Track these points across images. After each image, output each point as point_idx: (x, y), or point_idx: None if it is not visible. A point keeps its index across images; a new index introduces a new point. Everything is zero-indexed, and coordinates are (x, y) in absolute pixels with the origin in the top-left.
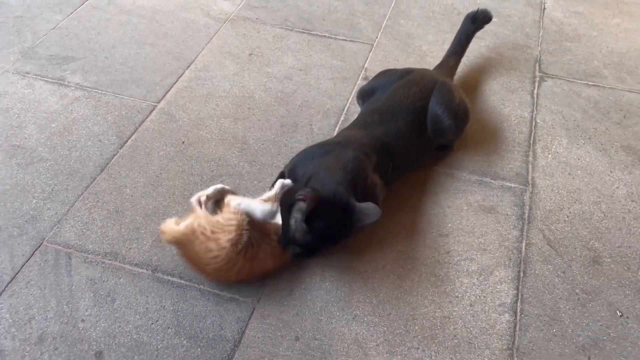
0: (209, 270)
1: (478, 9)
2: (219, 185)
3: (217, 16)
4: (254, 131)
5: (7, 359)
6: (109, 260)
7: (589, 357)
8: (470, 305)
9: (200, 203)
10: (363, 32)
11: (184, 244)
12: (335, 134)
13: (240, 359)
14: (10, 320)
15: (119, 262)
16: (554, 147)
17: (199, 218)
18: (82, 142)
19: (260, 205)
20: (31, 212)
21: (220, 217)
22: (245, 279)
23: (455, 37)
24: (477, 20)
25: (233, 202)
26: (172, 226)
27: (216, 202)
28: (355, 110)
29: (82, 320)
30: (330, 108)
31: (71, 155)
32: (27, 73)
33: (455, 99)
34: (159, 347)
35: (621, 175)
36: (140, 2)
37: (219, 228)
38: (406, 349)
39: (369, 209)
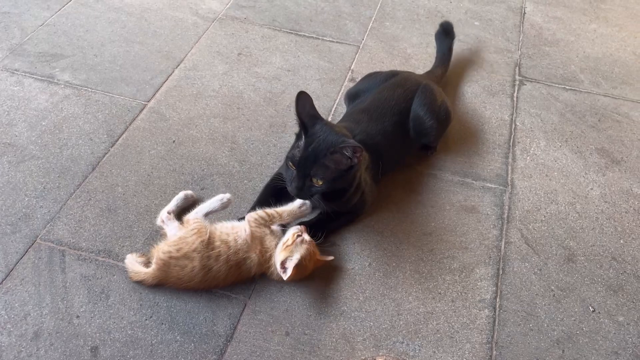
0: (196, 284)
1: (442, 22)
2: (181, 194)
3: (205, 15)
4: (243, 131)
5: (4, 354)
6: (103, 257)
7: (563, 351)
8: (452, 301)
9: (164, 221)
10: (349, 34)
11: (164, 279)
12: None
13: (232, 353)
14: (6, 317)
15: (112, 259)
16: (532, 149)
17: (158, 249)
18: (73, 140)
19: (213, 198)
20: (24, 210)
21: (181, 232)
22: (235, 282)
23: (438, 51)
24: (448, 31)
25: (190, 216)
26: (139, 269)
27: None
28: (342, 111)
29: (77, 317)
30: (318, 109)
31: (62, 154)
32: (15, 70)
33: (437, 100)
34: (153, 342)
35: (595, 177)
36: (128, 0)
37: (183, 243)
38: (391, 343)
39: None
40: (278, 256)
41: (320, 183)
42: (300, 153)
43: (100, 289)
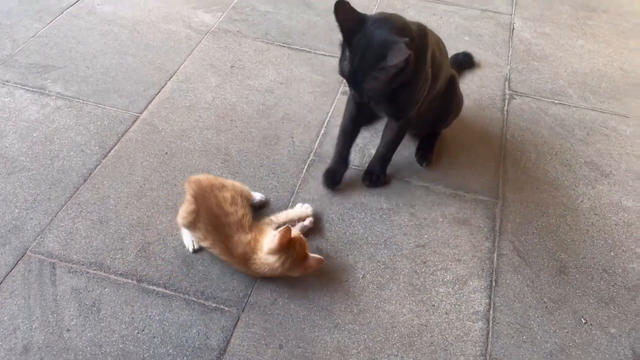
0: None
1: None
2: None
3: (198, 28)
4: (236, 143)
5: None
6: (94, 270)
7: None
8: (446, 313)
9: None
10: None
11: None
12: (316, 147)
13: None
14: None
15: (104, 272)
16: (522, 162)
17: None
18: (64, 151)
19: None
20: (14, 222)
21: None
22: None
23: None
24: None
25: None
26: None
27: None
28: (335, 123)
29: (68, 330)
30: (311, 121)
31: (53, 165)
32: (6, 81)
33: (458, 87)
34: (145, 356)
35: (585, 190)
36: (121, 13)
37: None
38: (386, 356)
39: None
40: (268, 258)
41: (375, 92)
42: (347, 67)
43: (92, 302)
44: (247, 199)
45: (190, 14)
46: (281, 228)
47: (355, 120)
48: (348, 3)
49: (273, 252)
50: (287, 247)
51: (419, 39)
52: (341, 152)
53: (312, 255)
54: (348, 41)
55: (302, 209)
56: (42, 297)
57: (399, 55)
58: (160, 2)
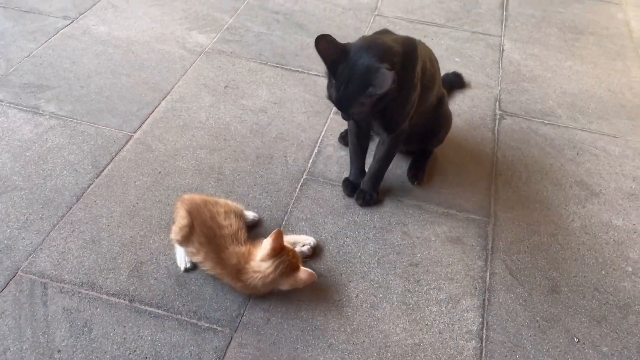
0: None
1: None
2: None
3: (192, 48)
4: (230, 162)
5: None
6: (86, 290)
7: None
8: (440, 332)
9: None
10: None
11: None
12: (309, 166)
13: None
14: None
15: (96, 292)
16: (514, 181)
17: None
18: (57, 171)
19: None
20: (5, 241)
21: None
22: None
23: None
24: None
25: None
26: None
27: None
28: (329, 143)
29: (59, 351)
30: (304, 141)
31: (46, 184)
32: (0, 101)
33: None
34: None
35: (576, 209)
36: (115, 33)
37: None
38: None
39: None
40: (260, 265)
41: (362, 115)
42: (334, 94)
43: (83, 322)
44: (241, 216)
45: (185, 35)
46: (272, 232)
47: (359, 135)
48: (329, 36)
49: (266, 258)
50: (280, 252)
51: (406, 54)
52: (355, 165)
53: (304, 268)
54: (332, 72)
55: (304, 237)
56: (33, 318)
57: (385, 81)
58: (155, 23)
